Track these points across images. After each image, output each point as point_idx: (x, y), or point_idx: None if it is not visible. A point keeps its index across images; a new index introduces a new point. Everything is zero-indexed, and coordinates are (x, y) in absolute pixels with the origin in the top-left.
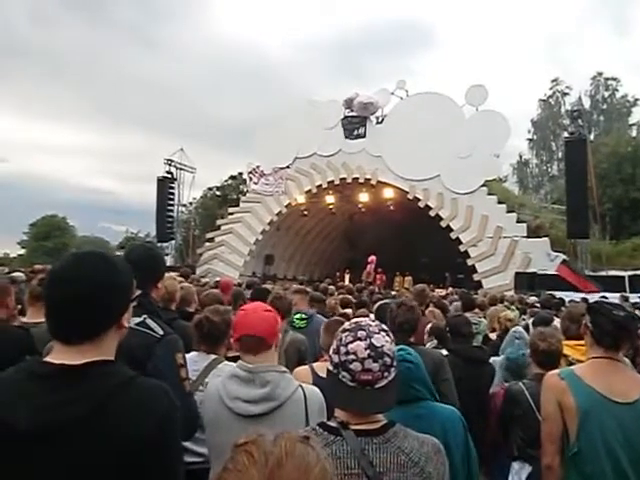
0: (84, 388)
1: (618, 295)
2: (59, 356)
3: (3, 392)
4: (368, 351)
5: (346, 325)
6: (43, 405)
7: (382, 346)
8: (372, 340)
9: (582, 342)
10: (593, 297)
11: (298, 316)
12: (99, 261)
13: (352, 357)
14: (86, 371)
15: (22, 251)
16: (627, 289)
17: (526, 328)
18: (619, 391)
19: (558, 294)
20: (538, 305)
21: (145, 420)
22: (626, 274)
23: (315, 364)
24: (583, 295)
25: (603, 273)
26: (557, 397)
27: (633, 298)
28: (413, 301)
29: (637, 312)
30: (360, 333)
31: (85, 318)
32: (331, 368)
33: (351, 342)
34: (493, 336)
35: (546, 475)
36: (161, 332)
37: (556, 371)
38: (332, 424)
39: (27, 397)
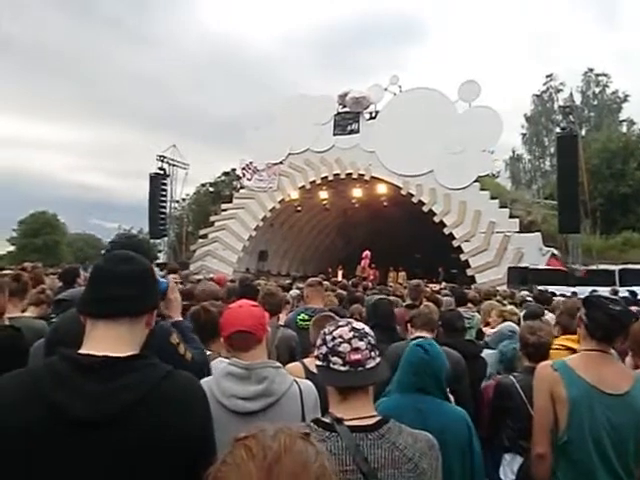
0: (130, 379)
1: (609, 289)
2: (98, 346)
3: (54, 380)
4: (352, 332)
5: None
6: (94, 394)
7: (363, 328)
8: (353, 325)
9: None
10: (582, 291)
11: (301, 316)
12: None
13: (339, 340)
14: (130, 363)
15: (12, 248)
16: (617, 283)
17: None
18: (610, 383)
19: (550, 288)
20: (529, 299)
21: (187, 414)
22: (616, 268)
23: (306, 360)
24: (572, 289)
25: (593, 267)
26: (549, 387)
27: (623, 292)
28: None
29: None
30: (341, 322)
31: (136, 294)
32: (320, 362)
33: (335, 329)
34: (488, 330)
35: (538, 464)
36: None
37: (549, 362)
38: (326, 420)
39: (78, 386)
